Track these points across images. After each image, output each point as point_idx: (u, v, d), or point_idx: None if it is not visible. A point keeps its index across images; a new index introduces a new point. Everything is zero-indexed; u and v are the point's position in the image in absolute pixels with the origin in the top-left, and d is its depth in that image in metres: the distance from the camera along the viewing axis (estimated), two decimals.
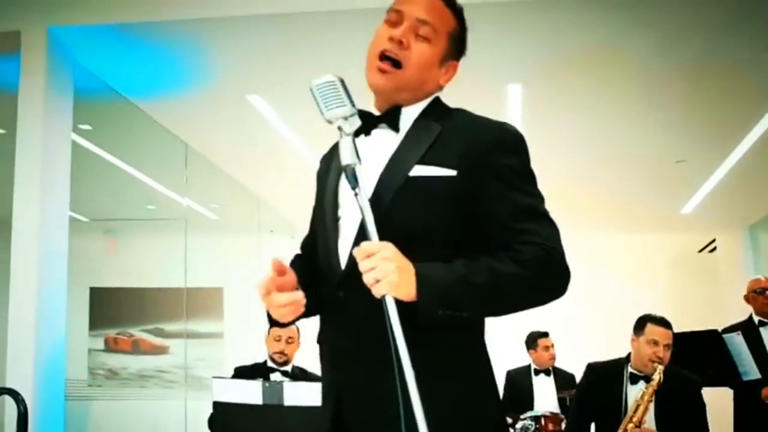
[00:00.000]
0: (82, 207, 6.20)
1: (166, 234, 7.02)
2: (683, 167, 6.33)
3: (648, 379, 3.32)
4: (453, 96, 1.54)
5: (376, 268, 1.24)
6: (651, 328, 3.39)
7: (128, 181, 6.31)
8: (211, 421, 3.73)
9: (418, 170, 1.40)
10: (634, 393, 3.37)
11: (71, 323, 4.27)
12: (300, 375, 4.15)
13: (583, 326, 8.22)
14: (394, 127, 1.48)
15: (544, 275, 1.35)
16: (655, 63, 4.32)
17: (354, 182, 1.30)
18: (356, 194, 1.30)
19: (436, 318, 1.29)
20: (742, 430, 4.46)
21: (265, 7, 3.80)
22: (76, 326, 6.30)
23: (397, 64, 1.45)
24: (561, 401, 5.27)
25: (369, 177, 1.38)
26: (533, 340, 5.58)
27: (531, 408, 5.13)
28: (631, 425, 3.23)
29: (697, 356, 3.83)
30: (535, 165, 1.45)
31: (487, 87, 4.43)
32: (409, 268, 1.27)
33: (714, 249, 9.71)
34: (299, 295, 1.40)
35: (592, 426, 3.62)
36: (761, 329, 4.43)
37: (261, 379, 3.59)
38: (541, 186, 1.44)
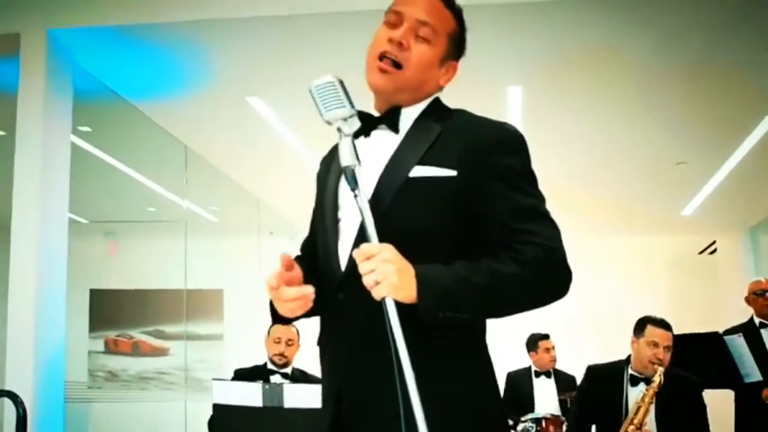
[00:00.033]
0: (82, 209, 6.20)
1: (166, 236, 7.02)
2: (683, 169, 6.33)
3: (648, 381, 3.32)
4: (453, 97, 1.53)
5: (376, 270, 1.24)
6: (651, 330, 3.39)
7: (128, 183, 6.31)
8: (211, 423, 3.73)
9: (418, 171, 1.39)
10: (635, 395, 3.37)
11: (71, 325, 4.27)
12: (300, 377, 4.15)
13: (584, 328, 8.22)
14: (394, 127, 1.47)
15: (545, 276, 1.35)
16: (655, 63, 4.32)
17: (353, 184, 1.30)
18: (356, 196, 1.30)
19: (437, 319, 1.28)
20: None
21: (265, 8, 3.80)
22: (76, 328, 6.31)
23: (397, 65, 1.44)
24: (562, 403, 5.26)
25: (369, 178, 1.38)
26: (534, 342, 5.58)
27: (531, 410, 5.13)
28: (631, 427, 3.23)
29: (698, 358, 3.83)
30: (535, 166, 1.45)
31: (487, 87, 4.43)
32: (409, 270, 1.26)
33: (714, 251, 9.71)
34: (309, 290, 1.39)
35: (593, 428, 3.61)
36: (762, 331, 4.43)
37: (261, 381, 3.59)
38: (541, 187, 1.44)
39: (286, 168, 6.13)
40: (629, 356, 3.51)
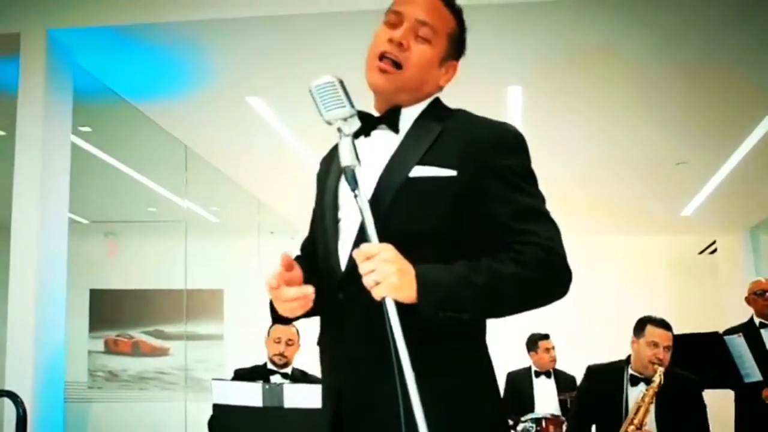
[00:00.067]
0: (82, 209, 6.20)
1: (166, 236, 7.02)
2: (684, 169, 6.33)
3: (648, 381, 3.32)
4: (453, 97, 1.53)
5: (376, 270, 1.24)
6: (651, 330, 3.39)
7: (128, 183, 6.31)
8: (211, 424, 3.72)
9: (418, 171, 1.39)
10: (635, 395, 3.37)
11: (71, 325, 4.27)
12: (300, 377, 4.15)
13: (584, 328, 8.22)
14: (394, 128, 1.47)
15: (545, 276, 1.34)
16: (655, 63, 4.31)
17: (353, 184, 1.30)
18: (356, 196, 1.30)
19: (437, 320, 1.28)
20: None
21: (265, 8, 3.79)
22: (76, 328, 6.31)
23: (397, 65, 1.44)
24: (562, 403, 5.26)
25: (369, 178, 1.38)
26: (534, 342, 5.58)
27: (531, 410, 5.13)
28: (632, 427, 3.23)
29: (698, 358, 3.83)
30: (535, 166, 1.44)
31: (487, 87, 4.43)
32: (409, 270, 1.26)
33: (714, 251, 9.71)
34: (309, 290, 1.39)
35: (593, 428, 3.61)
36: (762, 331, 4.43)
37: (261, 382, 3.58)
38: (541, 187, 1.44)
39: (287, 168, 6.13)
40: (629, 356, 3.51)
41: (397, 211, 1.37)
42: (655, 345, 3.34)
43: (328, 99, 1.36)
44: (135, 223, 7.28)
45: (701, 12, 3.77)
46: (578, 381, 4.00)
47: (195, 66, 4.38)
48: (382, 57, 1.45)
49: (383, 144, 1.46)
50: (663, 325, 3.41)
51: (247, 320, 6.43)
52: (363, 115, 1.45)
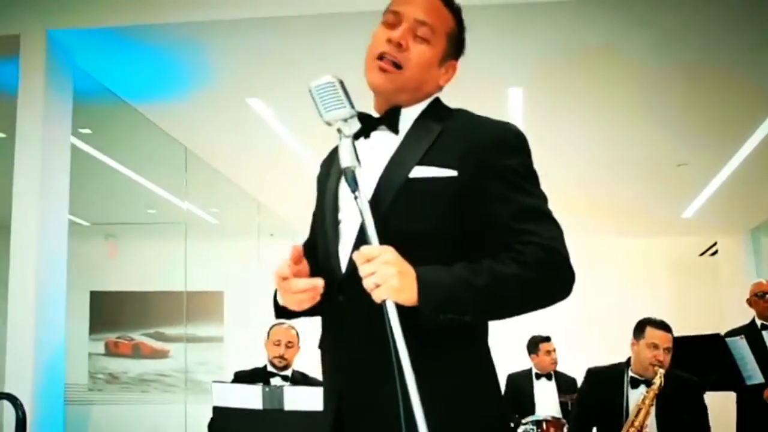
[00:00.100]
0: (82, 211, 6.20)
1: (166, 238, 7.02)
2: (685, 170, 6.32)
3: (648, 383, 3.31)
4: (453, 98, 1.52)
5: (376, 272, 1.23)
6: (651, 332, 3.38)
7: (128, 185, 6.31)
8: (211, 426, 3.71)
9: (418, 171, 1.38)
10: (635, 397, 3.36)
11: (71, 327, 4.26)
12: (300, 379, 4.14)
13: (584, 330, 8.22)
14: (394, 128, 1.46)
15: (546, 276, 1.33)
16: (656, 63, 4.31)
17: (354, 185, 1.29)
18: (356, 197, 1.29)
19: (438, 322, 1.27)
20: None
21: (264, 9, 3.79)
22: (76, 330, 6.31)
23: (397, 65, 1.44)
24: (562, 405, 5.25)
25: (369, 179, 1.37)
26: (535, 344, 5.57)
27: (532, 412, 5.12)
28: (632, 430, 3.22)
29: (700, 360, 3.82)
30: (535, 166, 1.44)
31: (488, 88, 4.43)
32: (409, 272, 1.25)
33: (715, 252, 9.70)
34: (319, 282, 1.38)
35: (594, 430, 3.60)
36: (764, 333, 4.42)
37: (261, 384, 3.58)
38: (542, 188, 1.43)
39: (286, 169, 6.12)
40: (629, 358, 3.50)
41: (397, 211, 1.36)
42: (655, 347, 3.34)
43: (328, 99, 1.35)
44: (135, 224, 7.28)
45: (701, 12, 3.76)
46: (579, 383, 3.99)
47: (195, 67, 4.38)
48: (381, 57, 1.44)
49: (383, 145, 1.45)
50: (663, 326, 3.40)
51: (247, 322, 6.43)
52: (363, 116, 1.44)
